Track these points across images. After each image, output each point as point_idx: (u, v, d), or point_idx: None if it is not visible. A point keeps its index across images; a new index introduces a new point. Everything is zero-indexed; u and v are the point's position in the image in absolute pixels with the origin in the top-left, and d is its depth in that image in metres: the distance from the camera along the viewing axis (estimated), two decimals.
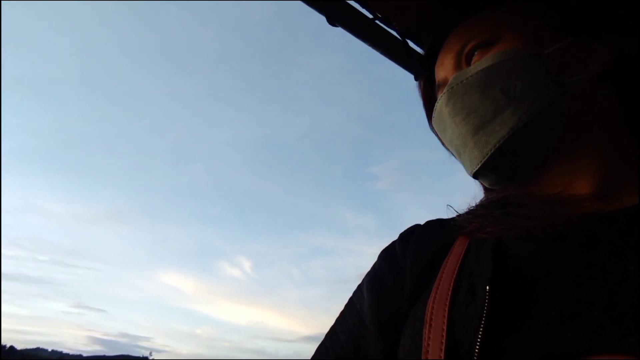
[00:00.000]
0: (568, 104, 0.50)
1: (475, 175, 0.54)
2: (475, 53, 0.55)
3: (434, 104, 0.65)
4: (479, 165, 0.52)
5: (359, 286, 0.55)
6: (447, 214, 0.56)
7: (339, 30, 0.84)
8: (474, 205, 0.54)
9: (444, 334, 0.38)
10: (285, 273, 64.54)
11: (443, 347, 0.38)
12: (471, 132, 0.52)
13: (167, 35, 50.46)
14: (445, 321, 0.39)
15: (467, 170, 0.55)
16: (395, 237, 0.56)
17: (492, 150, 0.50)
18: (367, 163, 48.74)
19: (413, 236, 0.54)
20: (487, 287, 0.38)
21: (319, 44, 51.22)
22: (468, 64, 0.56)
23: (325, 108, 49.86)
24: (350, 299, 0.55)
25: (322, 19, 0.81)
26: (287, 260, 62.58)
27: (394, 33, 0.87)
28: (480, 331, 0.36)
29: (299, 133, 50.85)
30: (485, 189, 0.60)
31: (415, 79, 0.73)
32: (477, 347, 0.36)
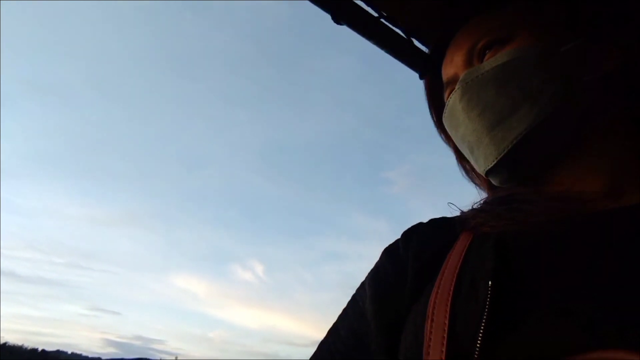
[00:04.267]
0: (583, 102, 0.50)
1: (487, 173, 0.54)
2: (488, 51, 0.54)
3: (439, 102, 0.65)
4: (495, 162, 0.51)
5: (362, 283, 0.55)
6: (451, 213, 0.56)
7: (351, 33, 0.84)
8: (478, 202, 0.54)
9: (446, 328, 0.38)
10: (298, 277, 64.98)
11: (445, 342, 0.38)
12: (487, 128, 0.51)
13: (181, 40, 51.33)
14: (447, 316, 0.39)
15: (479, 167, 0.54)
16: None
17: (510, 147, 0.49)
18: (381, 167, 49.15)
19: (416, 233, 0.54)
20: (490, 282, 0.38)
21: (331, 47, 51.57)
22: (480, 61, 0.55)
23: (339, 112, 50.24)
24: (353, 296, 0.55)
25: (330, 22, 0.82)
26: (299, 264, 63.16)
27: (400, 32, 0.87)
28: (482, 326, 0.36)
29: (312, 137, 51.49)
30: (491, 188, 0.60)
31: (421, 77, 0.72)
32: (479, 341, 0.35)
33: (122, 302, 66.53)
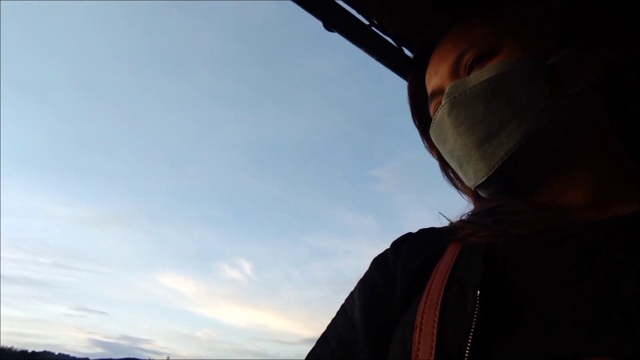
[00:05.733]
0: (571, 115, 0.50)
1: (477, 187, 0.53)
2: (474, 62, 0.54)
3: (423, 108, 0.64)
4: (485, 178, 0.50)
5: (351, 293, 0.55)
6: (440, 222, 0.56)
7: (341, 36, 0.84)
8: (466, 213, 0.54)
9: (434, 338, 0.38)
10: (286, 275, 64.50)
11: (433, 351, 0.38)
12: (476, 144, 0.51)
13: (167, 38, 50.90)
14: (436, 325, 0.39)
15: (468, 181, 0.54)
16: (394, 239, 0.56)
17: (500, 163, 0.49)
18: (368, 165, 49.23)
19: (405, 244, 0.54)
20: (478, 292, 0.38)
21: (319, 45, 51.56)
22: (466, 72, 0.54)
23: (326, 109, 50.47)
24: (342, 306, 0.55)
25: (320, 22, 0.82)
26: (287, 262, 62.60)
27: (390, 40, 0.88)
28: (471, 335, 0.36)
29: (299, 135, 51.62)
30: (477, 198, 0.60)
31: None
32: (467, 351, 0.36)
33: (108, 302, 65.69)
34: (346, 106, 50.32)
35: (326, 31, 0.82)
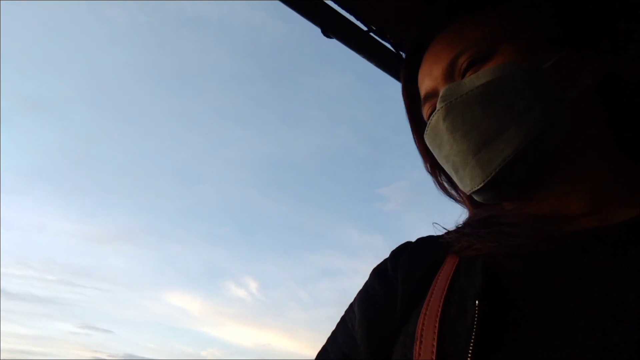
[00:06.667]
0: (568, 120, 0.49)
1: (473, 193, 0.52)
2: (469, 65, 0.52)
3: (416, 109, 0.62)
4: (481, 185, 0.49)
5: (351, 304, 0.54)
6: (435, 232, 0.55)
7: (346, 51, 0.84)
8: (461, 223, 0.53)
9: (434, 350, 0.38)
10: (292, 294, 59.88)
11: None
12: (473, 150, 0.49)
13: (177, 56, 48.05)
14: (436, 337, 0.39)
15: (464, 187, 0.53)
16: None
17: (497, 170, 0.48)
18: (376, 184, 45.79)
19: (404, 254, 0.53)
20: (477, 302, 0.38)
21: (327, 64, 48.80)
22: (461, 76, 0.53)
23: (334, 128, 47.49)
24: (342, 317, 0.54)
25: (332, 41, 0.82)
26: (294, 281, 57.98)
27: (388, 45, 0.88)
28: (471, 346, 0.36)
29: (307, 152, 48.23)
30: (473, 205, 0.59)
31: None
32: None
33: (114, 320, 56.28)
34: (353, 124, 47.89)
35: (334, 49, 0.82)
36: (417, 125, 0.63)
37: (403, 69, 0.65)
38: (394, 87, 0.91)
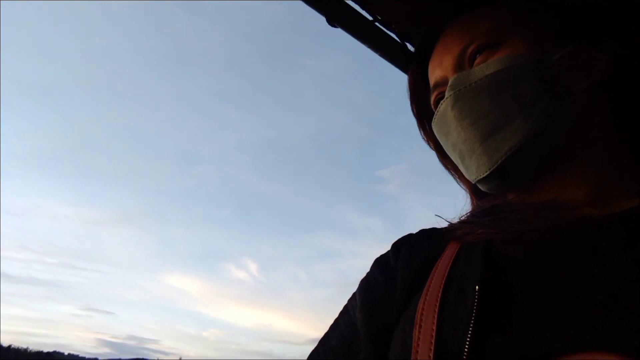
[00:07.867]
0: (574, 112, 0.49)
1: (478, 182, 0.53)
2: (478, 55, 0.53)
3: (423, 99, 0.63)
4: (487, 173, 0.50)
5: (354, 293, 0.56)
6: (439, 224, 0.56)
7: (345, 33, 0.84)
8: (465, 214, 0.54)
9: (434, 334, 0.39)
10: (292, 275, 64.84)
11: (432, 347, 0.38)
12: (480, 138, 0.50)
13: (173, 38, 50.56)
14: (435, 322, 0.39)
15: (469, 175, 0.54)
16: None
17: (503, 159, 0.49)
18: (375, 166, 48.80)
19: (405, 244, 0.55)
20: (477, 287, 0.39)
21: (325, 45, 51.25)
22: (471, 65, 0.54)
23: (332, 110, 49.92)
24: (345, 306, 0.56)
25: (325, 20, 0.81)
26: (293, 263, 62.88)
27: (394, 36, 0.88)
28: (470, 330, 0.37)
29: (305, 135, 51.36)
30: (477, 196, 0.60)
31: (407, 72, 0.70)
32: (467, 346, 0.36)
33: (115, 302, 65.48)
34: (352, 106, 50.29)
35: (332, 31, 0.82)
36: (422, 116, 0.65)
37: (412, 61, 0.66)
38: (393, 71, 0.91)
